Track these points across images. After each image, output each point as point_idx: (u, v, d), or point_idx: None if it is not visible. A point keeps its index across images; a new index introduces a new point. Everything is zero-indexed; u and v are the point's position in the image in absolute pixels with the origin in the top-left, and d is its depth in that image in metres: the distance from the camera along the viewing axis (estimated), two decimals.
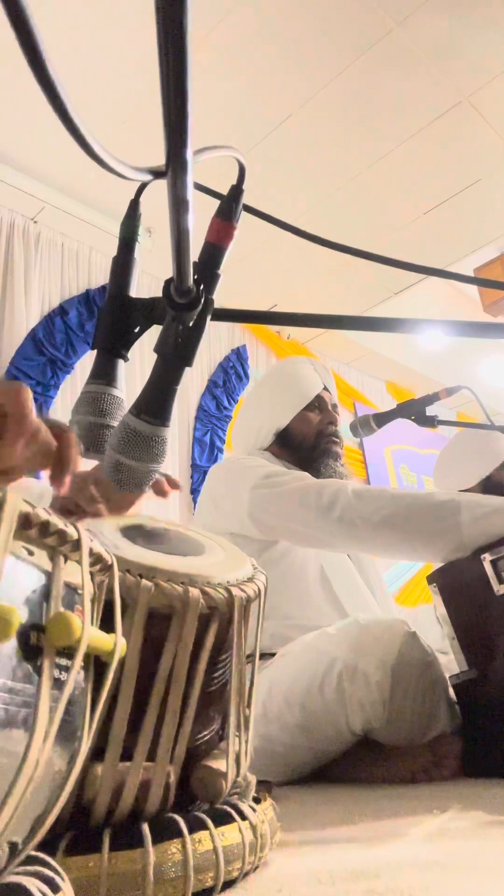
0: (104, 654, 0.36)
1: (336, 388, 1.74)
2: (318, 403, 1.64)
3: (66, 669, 0.33)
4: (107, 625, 0.38)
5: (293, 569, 1.47)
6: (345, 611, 1.43)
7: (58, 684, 0.32)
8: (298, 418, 1.62)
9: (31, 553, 0.32)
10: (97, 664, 0.37)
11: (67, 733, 0.34)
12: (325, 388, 1.67)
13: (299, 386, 1.64)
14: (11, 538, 0.30)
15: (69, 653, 0.33)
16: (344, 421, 1.72)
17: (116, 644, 0.36)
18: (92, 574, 0.37)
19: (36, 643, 0.31)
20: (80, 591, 0.35)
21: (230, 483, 1.46)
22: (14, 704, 0.29)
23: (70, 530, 0.34)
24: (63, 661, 0.33)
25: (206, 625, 0.55)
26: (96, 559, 0.37)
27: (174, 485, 0.71)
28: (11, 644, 0.30)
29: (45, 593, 0.33)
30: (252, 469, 1.45)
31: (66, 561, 0.34)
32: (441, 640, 1.31)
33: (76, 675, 0.33)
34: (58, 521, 0.33)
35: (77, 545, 0.34)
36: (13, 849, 0.32)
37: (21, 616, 0.30)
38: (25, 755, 0.29)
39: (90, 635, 0.33)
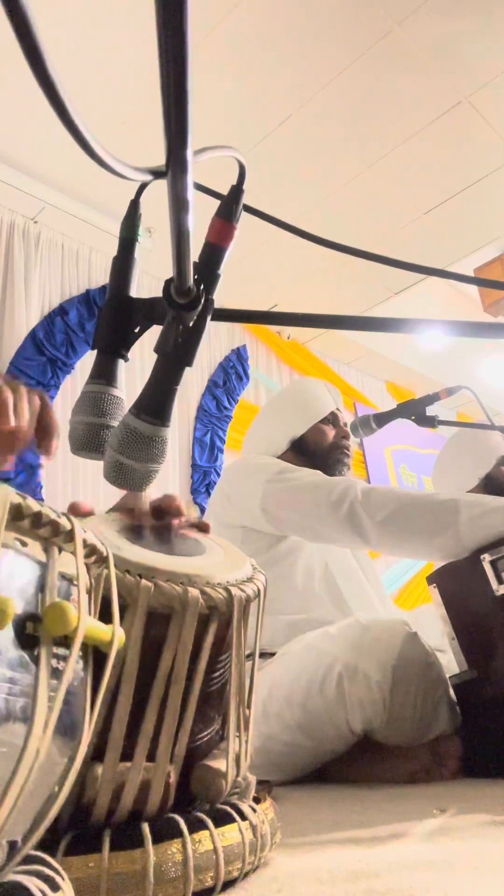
0: (102, 645, 0.36)
1: (343, 405, 1.78)
2: (331, 419, 1.69)
3: (65, 659, 0.33)
4: (105, 621, 0.37)
5: (299, 565, 1.50)
6: (349, 608, 1.45)
7: (56, 674, 0.32)
8: (314, 429, 1.66)
9: (24, 544, 0.32)
10: (97, 656, 0.37)
11: (67, 724, 0.34)
12: (338, 409, 1.72)
13: (315, 402, 1.69)
14: (3, 529, 0.30)
15: (67, 643, 0.33)
16: None
17: (115, 634, 0.36)
18: (88, 566, 0.37)
19: (32, 633, 0.31)
20: (75, 582, 0.35)
21: (244, 477, 1.49)
22: (13, 695, 0.29)
23: (63, 521, 0.34)
24: (61, 651, 0.33)
25: (205, 625, 0.55)
26: (91, 550, 0.37)
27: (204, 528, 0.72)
28: (9, 635, 0.30)
29: (41, 584, 0.32)
30: (267, 465, 1.50)
31: (60, 552, 0.34)
32: (441, 640, 1.32)
33: (75, 665, 0.33)
34: (50, 512, 0.33)
35: (70, 536, 0.34)
36: (12, 847, 0.32)
37: (16, 607, 0.30)
38: (25, 744, 0.29)
39: (87, 625, 0.33)
